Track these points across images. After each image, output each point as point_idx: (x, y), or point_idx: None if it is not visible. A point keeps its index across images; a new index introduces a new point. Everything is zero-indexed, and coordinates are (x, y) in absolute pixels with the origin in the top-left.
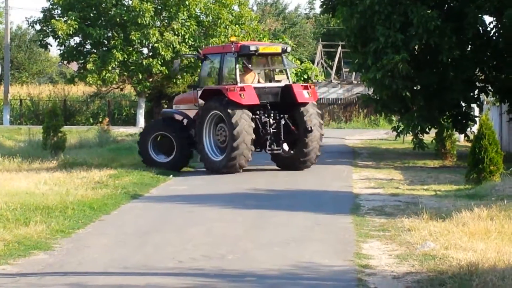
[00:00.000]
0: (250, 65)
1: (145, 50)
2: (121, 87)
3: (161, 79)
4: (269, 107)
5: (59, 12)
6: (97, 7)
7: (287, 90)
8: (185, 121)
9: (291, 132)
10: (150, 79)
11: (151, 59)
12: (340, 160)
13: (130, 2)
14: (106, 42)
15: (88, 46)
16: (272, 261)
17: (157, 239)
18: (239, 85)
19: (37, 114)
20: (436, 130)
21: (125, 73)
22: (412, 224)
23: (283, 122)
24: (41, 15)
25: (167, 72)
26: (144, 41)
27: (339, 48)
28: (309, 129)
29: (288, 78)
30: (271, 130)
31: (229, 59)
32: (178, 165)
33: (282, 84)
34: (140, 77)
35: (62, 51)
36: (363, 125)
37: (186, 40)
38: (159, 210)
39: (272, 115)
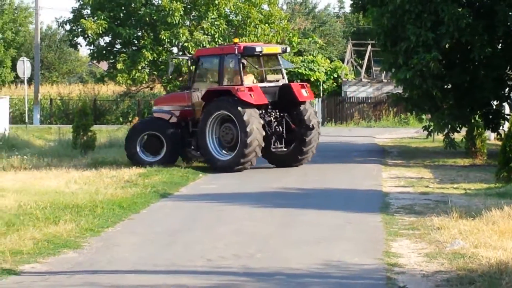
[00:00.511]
0: (256, 66)
1: (175, 50)
2: (150, 86)
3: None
4: (269, 106)
5: (89, 12)
6: (126, 7)
7: (286, 89)
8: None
9: (291, 130)
10: (180, 78)
11: (180, 58)
12: (370, 158)
13: (160, 1)
14: (136, 42)
15: (118, 46)
16: (302, 260)
17: (187, 237)
18: (245, 85)
19: (67, 113)
20: (466, 129)
21: (155, 73)
22: (442, 222)
23: (284, 120)
24: (71, 15)
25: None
26: (174, 41)
27: (369, 47)
28: (311, 126)
29: (284, 77)
30: (275, 129)
31: (231, 60)
32: (167, 163)
33: (280, 83)
34: (170, 76)
35: (92, 51)
36: (393, 123)
37: (216, 39)
38: (189, 209)
39: (273, 114)
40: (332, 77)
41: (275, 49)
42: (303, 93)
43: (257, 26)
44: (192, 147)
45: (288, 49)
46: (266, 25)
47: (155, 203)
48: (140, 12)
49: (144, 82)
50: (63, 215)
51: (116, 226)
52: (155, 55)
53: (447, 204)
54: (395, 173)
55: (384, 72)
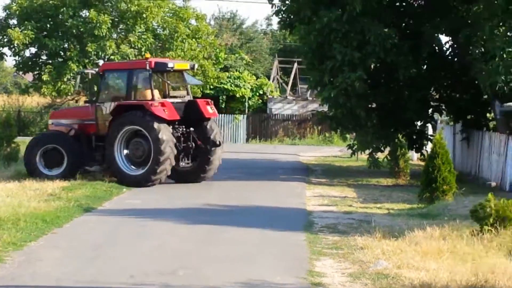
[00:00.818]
0: (168, 81)
1: (101, 62)
2: (76, 98)
3: None
4: (176, 122)
5: (15, 22)
6: (54, 18)
7: (192, 105)
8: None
9: (197, 146)
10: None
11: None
12: (294, 176)
13: (87, 13)
14: (62, 53)
15: (44, 57)
16: (224, 278)
17: (110, 253)
18: (157, 100)
19: None
20: (389, 149)
21: (80, 85)
22: (365, 242)
23: (191, 136)
24: None
25: None
26: (100, 53)
27: (295, 64)
28: (218, 143)
29: (189, 93)
30: (183, 145)
31: (142, 75)
32: (67, 177)
33: (186, 99)
34: (95, 89)
35: (17, 61)
36: (317, 142)
37: (143, 53)
38: (112, 223)
39: (180, 130)
40: (257, 93)
41: (185, 65)
42: (209, 109)
43: (184, 40)
44: (97, 161)
45: (196, 66)
46: (194, 40)
47: (79, 217)
48: (67, 23)
49: (69, 94)
50: None
51: (39, 240)
52: (81, 67)
53: (371, 224)
54: (319, 192)
55: (310, 90)
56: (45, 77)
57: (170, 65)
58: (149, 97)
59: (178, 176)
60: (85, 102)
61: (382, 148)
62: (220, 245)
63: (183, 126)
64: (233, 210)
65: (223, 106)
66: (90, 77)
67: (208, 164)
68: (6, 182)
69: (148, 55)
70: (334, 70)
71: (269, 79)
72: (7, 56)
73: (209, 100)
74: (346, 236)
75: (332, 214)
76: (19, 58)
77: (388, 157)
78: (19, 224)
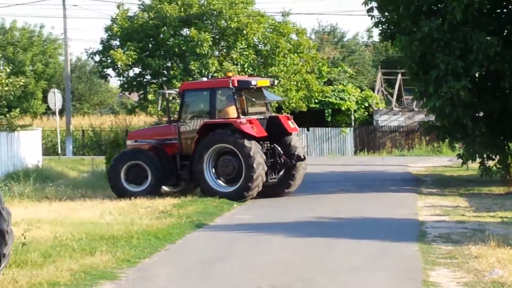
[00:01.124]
0: (252, 99)
1: (204, 80)
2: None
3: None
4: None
5: (118, 43)
6: (155, 38)
7: (274, 121)
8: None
9: (282, 161)
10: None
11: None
12: (404, 187)
13: (188, 32)
14: (166, 72)
15: (148, 76)
16: None
17: (223, 268)
18: (244, 118)
19: (100, 144)
20: (499, 157)
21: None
22: (479, 251)
23: (276, 151)
24: (100, 46)
25: None
26: (203, 71)
27: (399, 75)
28: (302, 157)
29: (269, 109)
30: (270, 161)
31: (225, 93)
32: (151, 194)
33: (267, 115)
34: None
35: (122, 82)
36: (426, 152)
37: (245, 69)
38: (224, 239)
39: (265, 145)
40: (363, 106)
41: (265, 82)
42: (290, 124)
43: (286, 55)
44: (183, 180)
45: (276, 82)
46: (295, 54)
47: (191, 233)
48: (168, 42)
49: (175, 112)
50: (99, 246)
51: (152, 257)
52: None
53: (484, 233)
54: (430, 202)
55: (415, 100)
56: (150, 96)
57: (253, 82)
58: (233, 114)
59: (262, 191)
60: (167, 122)
61: (494, 157)
62: (333, 257)
63: (267, 142)
64: (344, 223)
65: (329, 120)
66: (169, 97)
67: (292, 179)
68: (117, 201)
69: (230, 73)
70: (438, 79)
71: (373, 91)
72: (111, 77)
73: (289, 115)
74: (459, 245)
75: (444, 224)
76: (123, 78)
77: (498, 165)
78: (132, 241)
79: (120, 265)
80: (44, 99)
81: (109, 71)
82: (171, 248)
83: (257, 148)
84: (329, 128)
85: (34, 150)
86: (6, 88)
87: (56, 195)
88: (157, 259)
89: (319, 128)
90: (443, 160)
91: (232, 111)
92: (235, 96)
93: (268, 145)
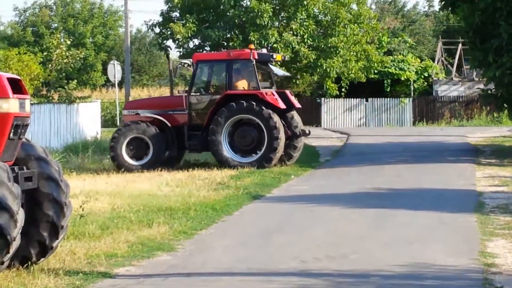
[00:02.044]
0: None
1: (264, 51)
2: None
3: (280, 79)
4: None
5: (178, 14)
6: (215, 9)
7: (281, 96)
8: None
9: (289, 134)
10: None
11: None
12: (463, 158)
13: (249, 3)
14: (225, 43)
15: (208, 48)
16: (396, 261)
17: (279, 239)
18: (268, 90)
19: None
20: None
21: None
22: None
23: (285, 126)
24: (160, 18)
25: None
26: (263, 42)
27: (460, 45)
28: (307, 132)
29: (273, 84)
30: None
31: (245, 65)
32: (151, 168)
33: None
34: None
35: (181, 53)
36: (485, 122)
37: (305, 40)
38: (281, 210)
39: None
40: (422, 76)
41: (279, 56)
42: (296, 101)
43: (346, 26)
44: (193, 149)
45: (286, 58)
46: (355, 24)
47: (248, 205)
48: (228, 14)
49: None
50: (156, 218)
51: (209, 229)
52: None
53: None
54: (489, 173)
55: (474, 70)
56: None
57: (274, 56)
58: (252, 87)
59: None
60: (185, 92)
61: None
62: (390, 228)
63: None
64: (402, 193)
65: (388, 90)
66: (185, 67)
67: (294, 151)
68: (175, 172)
69: (251, 46)
70: (498, 49)
71: (433, 61)
72: (171, 49)
73: (291, 91)
74: None
75: (503, 195)
76: (183, 50)
77: None
78: (189, 213)
79: (177, 237)
80: (104, 71)
81: (169, 42)
82: (228, 219)
83: (279, 119)
84: (388, 98)
85: (93, 122)
86: (65, 61)
87: (114, 166)
88: (214, 230)
89: (378, 98)
90: (503, 130)
91: (251, 84)
92: (255, 69)
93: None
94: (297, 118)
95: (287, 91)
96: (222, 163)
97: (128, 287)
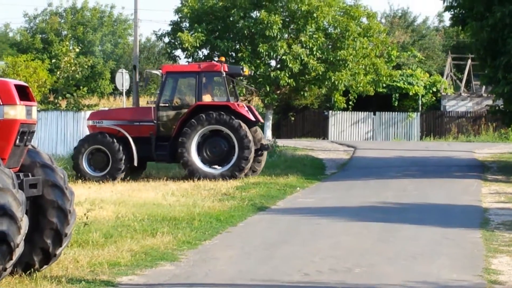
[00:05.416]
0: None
1: (273, 63)
2: (248, 99)
3: (288, 91)
4: None
5: (187, 24)
6: (224, 20)
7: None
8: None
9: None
10: (278, 92)
11: (278, 71)
12: (469, 174)
13: (258, 14)
14: (234, 54)
15: (216, 58)
16: (399, 276)
17: (284, 251)
18: (239, 102)
19: None
20: None
21: (253, 85)
22: None
23: None
24: (169, 28)
25: (294, 85)
26: (272, 53)
27: (469, 61)
28: (269, 146)
29: (237, 98)
30: None
31: (213, 78)
32: (111, 178)
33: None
34: (268, 89)
35: (190, 63)
36: (492, 138)
37: (314, 52)
38: (286, 222)
39: None
40: (431, 91)
41: (248, 71)
42: (259, 116)
43: (355, 39)
44: (161, 160)
45: (252, 73)
46: (365, 38)
47: (252, 216)
48: (238, 25)
49: (241, 94)
50: (161, 227)
51: (213, 239)
52: (253, 67)
53: None
54: (495, 189)
55: (484, 86)
56: None
57: (245, 69)
58: (220, 99)
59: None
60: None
61: None
62: (395, 242)
63: None
64: (407, 208)
65: (396, 104)
66: (152, 77)
67: (258, 165)
68: (181, 182)
69: (222, 58)
70: (508, 65)
71: (442, 76)
72: (180, 58)
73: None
74: None
75: (508, 211)
76: (192, 60)
77: None
78: (193, 223)
79: (181, 247)
80: (112, 79)
81: (178, 52)
82: (232, 230)
83: (249, 131)
84: (396, 112)
85: None
86: (73, 68)
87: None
88: (218, 241)
89: (386, 112)
90: (510, 147)
91: (220, 96)
92: (225, 81)
93: None
94: (259, 132)
95: (251, 106)
96: (192, 174)
97: None
